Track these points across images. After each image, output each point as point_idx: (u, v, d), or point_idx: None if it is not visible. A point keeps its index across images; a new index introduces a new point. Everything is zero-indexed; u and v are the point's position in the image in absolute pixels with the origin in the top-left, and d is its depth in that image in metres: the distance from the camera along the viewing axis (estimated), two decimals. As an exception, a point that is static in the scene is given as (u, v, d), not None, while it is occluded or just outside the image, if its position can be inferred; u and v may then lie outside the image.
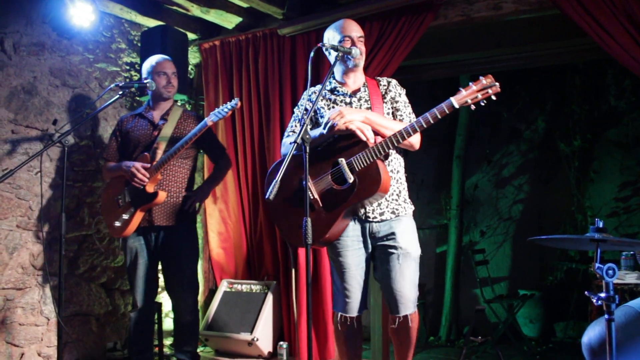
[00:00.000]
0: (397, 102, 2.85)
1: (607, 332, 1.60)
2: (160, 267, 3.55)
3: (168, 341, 4.34)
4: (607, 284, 1.61)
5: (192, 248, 3.51)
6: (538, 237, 1.79)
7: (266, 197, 2.33)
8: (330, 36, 2.86)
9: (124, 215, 3.37)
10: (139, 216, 3.34)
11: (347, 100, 2.85)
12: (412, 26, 3.63)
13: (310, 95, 2.92)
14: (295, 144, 2.40)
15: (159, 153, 3.35)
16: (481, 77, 2.47)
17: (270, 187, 2.33)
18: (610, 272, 1.60)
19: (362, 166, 2.63)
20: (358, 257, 2.80)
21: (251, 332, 3.89)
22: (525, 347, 5.34)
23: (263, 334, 3.93)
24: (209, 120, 3.24)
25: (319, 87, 2.93)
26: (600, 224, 1.65)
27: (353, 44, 2.80)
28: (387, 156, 2.68)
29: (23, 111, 3.75)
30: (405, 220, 2.81)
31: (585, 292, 1.67)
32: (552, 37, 4.13)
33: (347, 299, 2.82)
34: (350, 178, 2.65)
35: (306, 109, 2.88)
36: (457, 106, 2.51)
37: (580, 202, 6.07)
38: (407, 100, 2.89)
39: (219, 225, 4.40)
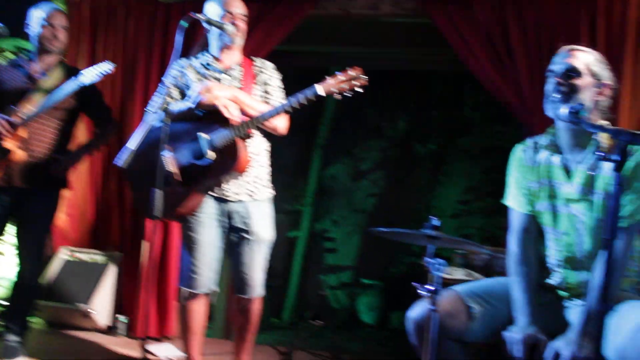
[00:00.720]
0: (268, 85, 2.85)
1: (428, 321, 1.73)
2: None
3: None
4: (434, 276, 1.73)
5: (48, 216, 3.22)
6: (378, 229, 1.89)
7: (116, 161, 2.23)
8: (212, 9, 2.80)
9: None
10: None
11: (218, 76, 2.81)
12: (291, 12, 3.65)
13: (182, 67, 2.85)
14: (156, 114, 2.32)
15: (29, 108, 3.03)
16: (348, 68, 2.53)
17: (124, 155, 2.23)
18: (438, 266, 1.72)
19: (221, 143, 2.60)
20: (212, 235, 2.79)
21: (87, 302, 3.71)
22: (363, 333, 5.61)
23: (101, 306, 3.77)
24: (80, 80, 2.98)
25: (190, 59, 2.90)
26: (435, 222, 1.77)
27: (233, 20, 2.75)
28: (248, 136, 2.68)
29: None
30: (262, 204, 2.83)
31: (412, 283, 1.78)
32: (422, 44, 4.35)
33: (195, 274, 2.79)
34: (208, 154, 2.61)
35: (174, 80, 2.80)
36: (321, 94, 2.55)
37: (429, 202, 6.48)
38: (281, 86, 2.89)
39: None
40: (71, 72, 3.22)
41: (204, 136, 2.64)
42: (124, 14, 4.06)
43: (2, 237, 3.28)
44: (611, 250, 1.42)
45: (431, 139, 6.58)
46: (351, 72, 2.54)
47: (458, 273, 3.06)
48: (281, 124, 2.78)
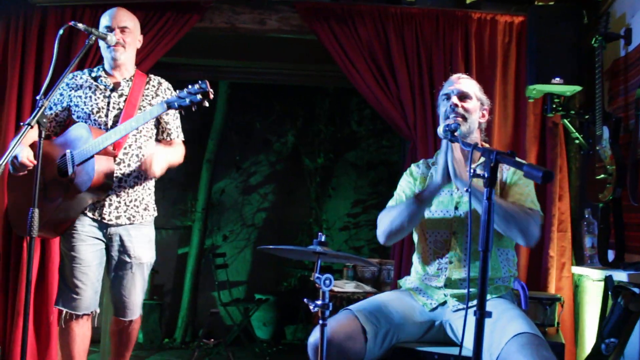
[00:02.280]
0: (165, 116, 2.80)
1: (320, 335, 1.76)
2: None
3: None
4: (323, 292, 1.76)
5: None
6: (268, 247, 1.90)
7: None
8: (102, 21, 2.75)
9: None
10: None
11: (107, 94, 2.74)
12: (176, 23, 3.58)
13: (69, 80, 2.80)
14: (29, 126, 2.20)
15: None
16: (199, 81, 2.47)
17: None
18: (327, 281, 1.75)
19: (82, 161, 2.59)
20: (93, 252, 2.71)
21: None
22: (257, 349, 5.58)
23: (-30, 337, 3.47)
24: None
25: (81, 73, 2.84)
26: (322, 238, 1.80)
27: (117, 33, 2.70)
28: (113, 155, 2.64)
29: None
30: (142, 227, 2.79)
31: (304, 299, 1.80)
32: (308, 60, 4.44)
33: (77, 295, 2.68)
34: (70, 171, 2.60)
35: (60, 93, 2.80)
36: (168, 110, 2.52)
37: (318, 215, 6.59)
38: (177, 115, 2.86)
39: None
40: None
41: (69, 152, 2.63)
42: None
43: None
44: (486, 263, 1.50)
45: (320, 153, 6.72)
46: (196, 87, 2.49)
47: (348, 285, 3.13)
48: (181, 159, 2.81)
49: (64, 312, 2.70)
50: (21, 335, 2.30)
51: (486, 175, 1.55)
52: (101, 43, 2.73)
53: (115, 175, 2.67)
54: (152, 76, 2.88)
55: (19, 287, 3.50)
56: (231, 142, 6.53)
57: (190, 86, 2.45)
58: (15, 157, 2.55)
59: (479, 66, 3.54)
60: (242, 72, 4.79)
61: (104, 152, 2.58)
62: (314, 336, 2.00)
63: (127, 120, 2.61)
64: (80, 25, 2.54)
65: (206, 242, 6.38)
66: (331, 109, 6.74)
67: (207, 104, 2.45)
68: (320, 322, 1.75)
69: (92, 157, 2.57)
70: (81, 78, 2.80)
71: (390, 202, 2.39)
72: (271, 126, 6.68)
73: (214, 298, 6.10)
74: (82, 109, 2.73)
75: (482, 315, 1.49)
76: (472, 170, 1.59)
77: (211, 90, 2.42)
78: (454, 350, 1.99)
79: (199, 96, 2.41)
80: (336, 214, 6.62)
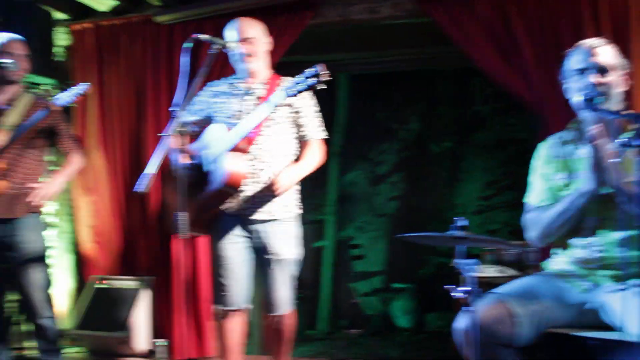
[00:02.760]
0: (297, 108, 2.84)
1: (468, 321, 1.70)
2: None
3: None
4: (467, 278, 1.70)
5: (37, 241, 3.19)
6: (405, 235, 1.87)
7: (136, 189, 2.25)
8: (228, 35, 2.86)
9: None
10: None
11: (243, 98, 2.85)
12: (291, 23, 3.66)
13: (208, 88, 2.99)
14: (168, 136, 2.35)
15: (1, 139, 3.05)
16: (315, 65, 2.45)
17: (142, 180, 2.25)
18: (469, 267, 1.70)
19: (215, 159, 2.72)
20: (238, 250, 2.82)
21: (125, 330, 3.73)
22: (400, 338, 5.56)
23: (138, 332, 3.78)
24: (53, 103, 2.98)
25: (218, 82, 3.01)
26: (462, 222, 1.74)
27: (245, 44, 2.81)
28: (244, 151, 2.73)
29: None
30: (283, 223, 2.83)
31: (444, 286, 1.75)
32: (425, 43, 4.34)
33: (225, 292, 2.82)
34: (205, 170, 2.77)
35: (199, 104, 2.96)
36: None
37: (450, 200, 6.43)
38: (311, 104, 2.88)
39: (90, 219, 4.17)
40: (38, 98, 3.23)
41: (207, 152, 2.79)
42: (128, 40, 4.09)
43: None
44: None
45: (445, 136, 6.55)
46: (314, 69, 2.47)
47: (490, 270, 3.02)
48: (318, 163, 2.86)
49: (217, 308, 2.86)
50: (181, 330, 2.46)
51: (637, 143, 1.41)
52: (231, 54, 2.83)
53: (249, 171, 2.75)
54: (288, 78, 2.92)
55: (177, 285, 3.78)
56: (356, 134, 6.55)
57: (306, 71, 2.47)
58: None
59: (612, 27, 3.25)
60: (360, 63, 4.79)
61: (235, 149, 2.67)
62: (461, 322, 1.95)
63: (249, 114, 2.68)
64: (203, 37, 2.67)
65: (341, 234, 6.46)
66: (452, 91, 6.54)
67: (324, 85, 2.43)
68: (468, 309, 1.69)
69: (223, 154, 2.67)
70: (219, 86, 2.96)
71: (531, 199, 2.20)
72: (393, 114, 6.61)
73: (353, 289, 6.17)
74: (221, 114, 2.87)
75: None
76: (625, 140, 1.46)
77: (327, 72, 2.38)
78: (610, 335, 1.85)
79: (313, 79, 2.39)
80: (468, 197, 6.41)
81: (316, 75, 2.40)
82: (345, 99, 6.32)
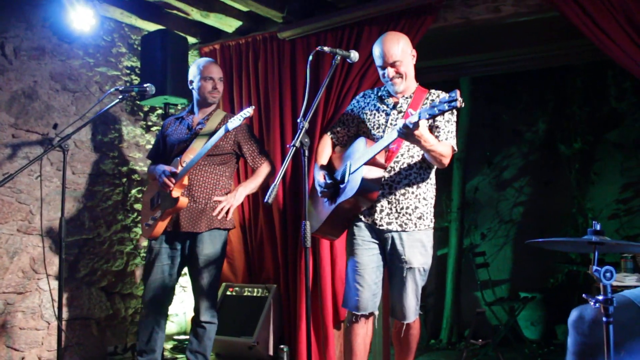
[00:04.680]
0: (437, 119, 2.82)
1: (605, 334, 1.60)
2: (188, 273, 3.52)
3: (169, 345, 4.33)
4: (604, 286, 1.61)
5: (215, 255, 3.38)
6: (537, 240, 1.79)
7: (265, 200, 2.35)
8: (374, 56, 2.91)
9: (152, 217, 3.36)
10: (164, 220, 3.31)
11: (388, 111, 2.92)
12: (411, 29, 3.62)
13: (360, 97, 3.08)
14: (294, 147, 2.43)
15: (190, 157, 3.28)
16: (451, 92, 2.39)
17: (269, 191, 2.34)
18: (608, 274, 1.60)
19: (355, 169, 2.78)
20: (369, 256, 2.89)
21: (252, 336, 3.89)
22: (527, 350, 5.33)
23: (264, 338, 3.92)
24: (229, 125, 3.15)
25: (370, 92, 3.08)
26: (598, 227, 1.65)
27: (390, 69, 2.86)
28: (382, 166, 2.79)
29: (23, 115, 3.76)
30: (415, 234, 2.85)
31: (583, 295, 1.66)
32: (552, 39, 4.13)
33: (356, 296, 2.88)
34: (346, 179, 2.83)
35: (351, 111, 3.08)
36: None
37: (581, 204, 6.07)
38: (449, 119, 2.86)
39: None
40: (227, 116, 3.45)
41: (348, 162, 2.84)
42: (253, 57, 4.28)
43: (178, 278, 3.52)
44: None
45: (576, 137, 6.19)
46: (449, 96, 2.42)
47: (629, 279, 2.81)
48: (444, 155, 2.74)
49: (347, 312, 2.94)
50: (305, 337, 2.52)
51: None
52: (379, 71, 2.90)
53: (385, 182, 2.82)
54: (432, 91, 2.94)
55: (298, 292, 3.87)
56: (480, 138, 6.38)
57: (444, 95, 2.47)
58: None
59: None
60: (482, 64, 4.65)
61: (373, 162, 2.74)
62: (574, 314, 1.90)
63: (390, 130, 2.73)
64: (326, 49, 2.73)
65: (464, 241, 6.32)
66: (584, 88, 6.16)
67: (457, 109, 2.42)
68: (605, 319, 1.60)
69: (361, 166, 2.74)
70: (369, 97, 3.04)
71: None
72: (520, 116, 6.36)
73: (477, 298, 6.00)
74: (366, 125, 2.96)
75: None
76: None
77: (460, 99, 2.34)
78: None
79: (450, 104, 2.34)
80: (603, 201, 6.01)
81: (454, 100, 2.38)
82: (468, 103, 6.17)
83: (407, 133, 2.50)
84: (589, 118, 6.15)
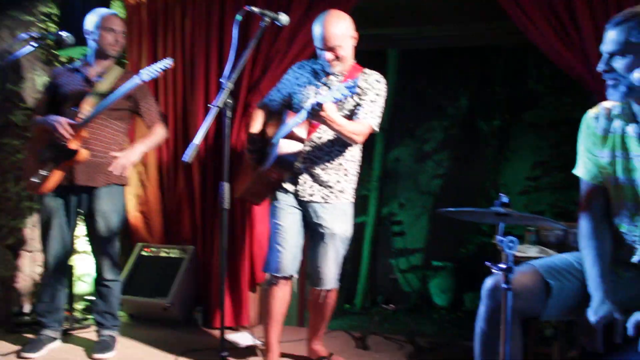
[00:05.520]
0: (361, 96, 2.85)
1: (503, 300, 1.69)
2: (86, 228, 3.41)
3: (80, 305, 4.22)
4: (506, 255, 1.69)
5: (115, 211, 3.34)
6: (447, 209, 1.86)
7: (183, 159, 2.31)
8: (314, 36, 2.87)
9: (42, 171, 3.18)
10: (58, 174, 3.17)
11: (319, 86, 2.93)
12: (341, -1, 3.61)
13: (296, 68, 3.08)
14: (217, 108, 2.39)
15: (88, 110, 3.16)
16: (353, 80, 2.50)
17: (188, 150, 2.30)
18: (511, 244, 1.68)
19: (275, 142, 2.88)
20: (292, 220, 2.95)
21: (167, 297, 3.85)
22: (436, 316, 5.57)
23: (179, 300, 3.90)
24: (140, 78, 3.07)
25: (306, 63, 3.06)
26: (505, 199, 1.73)
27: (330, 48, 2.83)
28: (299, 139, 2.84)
29: None
30: (336, 205, 2.93)
31: (486, 263, 1.75)
32: (479, 19, 4.24)
33: (278, 259, 2.92)
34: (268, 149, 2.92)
35: (283, 83, 3.10)
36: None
37: (495, 180, 6.33)
38: (374, 100, 2.88)
39: (136, 187, 4.28)
40: (127, 73, 3.35)
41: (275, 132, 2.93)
42: (181, 14, 4.14)
43: (79, 235, 3.43)
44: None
45: (495, 115, 6.42)
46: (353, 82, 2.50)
47: (531, 250, 2.98)
48: (355, 133, 2.78)
49: (267, 275, 2.97)
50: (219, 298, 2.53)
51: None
52: (317, 50, 2.87)
53: (308, 156, 2.88)
54: (366, 70, 2.94)
55: (215, 254, 3.86)
56: (404, 110, 6.48)
57: (349, 80, 2.52)
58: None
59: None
60: (411, 38, 4.71)
61: (291, 135, 2.79)
62: (489, 282, 1.97)
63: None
64: (255, 9, 2.67)
65: (383, 210, 6.46)
66: (506, 69, 6.38)
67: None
68: (504, 286, 1.69)
69: (280, 138, 2.80)
70: (303, 68, 3.03)
71: (580, 172, 2.09)
72: (443, 91, 6.51)
73: (392, 265, 6.18)
74: (297, 97, 2.97)
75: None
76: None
77: (360, 86, 2.73)
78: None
79: (348, 91, 2.47)
80: (515, 177, 6.30)
81: (352, 87, 2.46)
82: (394, 75, 6.25)
83: (314, 114, 2.57)
84: (508, 97, 6.38)
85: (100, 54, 3.33)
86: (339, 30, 2.81)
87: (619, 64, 1.83)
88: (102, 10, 3.36)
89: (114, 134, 3.32)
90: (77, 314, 4.05)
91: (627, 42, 1.81)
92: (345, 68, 2.91)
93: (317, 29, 2.85)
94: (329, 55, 2.83)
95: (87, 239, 3.41)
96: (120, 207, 3.39)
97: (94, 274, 3.47)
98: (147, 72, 3.06)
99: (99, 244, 3.32)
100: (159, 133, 3.43)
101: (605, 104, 2.04)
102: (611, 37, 1.86)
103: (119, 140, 3.36)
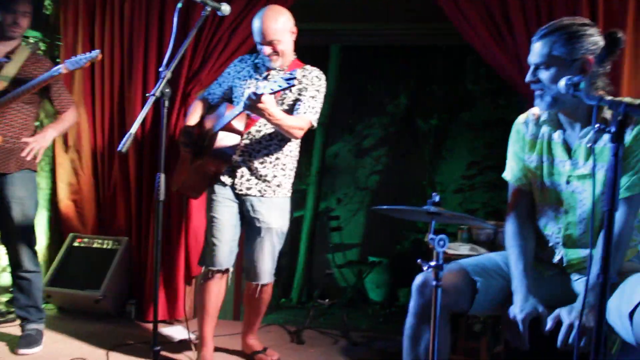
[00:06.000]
0: (301, 93, 2.85)
1: (434, 296, 1.74)
2: None
3: (4, 298, 4.05)
4: (437, 253, 1.74)
5: (29, 197, 3.19)
6: (381, 207, 1.89)
7: (118, 149, 2.24)
8: (253, 30, 2.85)
9: None
10: None
11: (259, 81, 2.89)
12: (284, -10, 3.60)
13: (237, 62, 3.05)
14: (154, 97, 2.33)
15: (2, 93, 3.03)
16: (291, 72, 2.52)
17: (124, 140, 2.24)
18: (441, 242, 1.72)
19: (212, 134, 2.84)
20: (229, 213, 2.92)
21: (99, 289, 3.74)
22: (371, 311, 5.66)
23: (112, 292, 3.80)
24: (64, 67, 2.95)
25: (248, 57, 3.04)
26: (437, 198, 1.77)
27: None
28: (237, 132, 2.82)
29: None
30: (272, 199, 2.92)
31: (417, 260, 1.79)
32: (420, 19, 4.31)
33: (214, 252, 2.91)
34: (204, 142, 2.86)
35: (226, 75, 3.06)
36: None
37: (432, 177, 6.49)
38: (314, 95, 2.87)
39: (69, 175, 4.14)
40: (35, 55, 3.20)
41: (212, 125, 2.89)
42: (120, -2, 4.01)
43: None
44: (611, 222, 1.41)
45: (433, 114, 6.57)
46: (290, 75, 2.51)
47: (463, 248, 3.07)
48: (294, 128, 2.78)
49: (203, 268, 2.95)
50: (153, 291, 2.48)
51: (612, 130, 1.43)
52: (257, 44, 2.85)
53: (245, 149, 2.86)
54: (307, 67, 2.93)
55: (150, 246, 3.78)
56: (344, 106, 6.54)
57: (287, 73, 2.51)
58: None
59: (607, 12, 3.25)
60: (353, 34, 4.74)
61: (229, 127, 2.76)
62: (419, 278, 2.02)
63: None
64: (201, -3, 2.61)
65: (320, 205, 6.51)
66: (445, 69, 6.54)
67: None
68: (435, 282, 1.73)
69: (217, 130, 2.77)
70: (245, 62, 3.02)
71: (508, 176, 2.18)
72: (383, 88, 6.60)
73: (328, 260, 6.24)
74: (237, 90, 2.95)
75: (605, 279, 1.41)
76: (599, 127, 1.47)
77: (298, 78, 2.68)
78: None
79: (285, 82, 2.45)
80: (451, 176, 6.48)
81: (291, 79, 2.44)
82: (336, 70, 6.30)
83: (251, 105, 2.55)
84: (446, 97, 6.55)
85: (2, 35, 3.15)
86: (277, 24, 2.81)
87: (544, 75, 1.91)
88: None
89: (24, 118, 3.15)
90: (1, 307, 3.89)
91: (551, 55, 1.88)
92: (285, 63, 2.91)
93: (256, 23, 2.84)
94: (267, 50, 2.82)
95: (1, 228, 3.23)
96: (34, 194, 3.23)
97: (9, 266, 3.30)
98: (72, 62, 2.94)
99: (16, 233, 3.15)
100: (70, 117, 3.27)
101: (534, 110, 2.13)
102: (536, 50, 1.93)
103: (30, 125, 3.21)
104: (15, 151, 3.09)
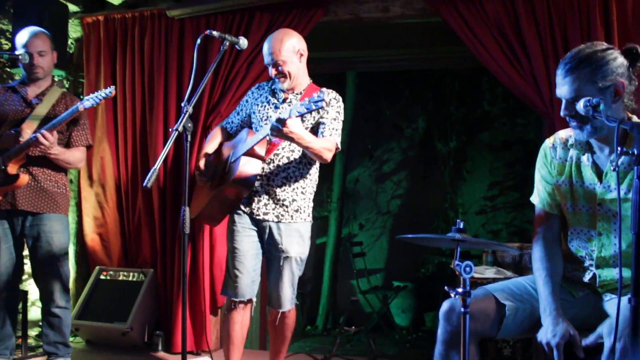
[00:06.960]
0: (322, 117, 2.84)
1: (462, 323, 1.73)
2: (27, 253, 3.31)
3: (34, 332, 4.10)
4: (464, 280, 1.73)
5: (62, 232, 3.24)
6: (406, 235, 1.89)
7: (143, 184, 2.28)
8: (264, 53, 2.87)
9: None
10: None
11: (278, 105, 2.91)
12: (302, 20, 3.67)
13: (255, 89, 3.05)
14: (176, 131, 2.37)
15: (28, 133, 3.08)
16: (319, 92, 2.48)
17: (148, 175, 2.28)
18: (468, 269, 1.72)
19: (234, 159, 2.82)
20: (250, 243, 2.90)
21: (126, 321, 3.77)
22: (397, 336, 5.60)
23: (138, 324, 3.82)
24: (82, 105, 3.02)
25: (265, 84, 3.03)
26: (461, 225, 1.76)
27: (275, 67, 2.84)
28: (260, 158, 2.80)
29: None
30: (291, 225, 2.89)
31: (445, 287, 1.78)
32: (434, 43, 4.35)
33: (235, 283, 2.88)
34: (226, 168, 2.83)
35: (244, 103, 3.05)
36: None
37: (453, 200, 6.46)
38: (334, 117, 2.87)
39: (94, 209, 4.21)
40: (65, 95, 3.27)
41: (232, 152, 2.89)
42: (139, 33, 4.12)
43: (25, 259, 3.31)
44: (639, 245, 1.40)
45: (452, 136, 6.57)
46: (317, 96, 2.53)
47: (488, 272, 3.05)
48: (324, 151, 2.76)
49: (226, 299, 2.94)
50: (181, 323, 2.50)
51: (636, 152, 1.43)
52: (271, 70, 2.86)
53: (264, 174, 2.84)
54: (324, 89, 2.86)
55: (175, 277, 3.81)
56: (362, 131, 6.57)
57: (314, 95, 2.49)
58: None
59: (622, 29, 3.24)
60: (369, 61, 4.80)
61: (251, 153, 2.76)
62: (446, 305, 2.00)
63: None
64: (215, 33, 2.67)
65: (343, 231, 6.50)
66: (461, 91, 6.55)
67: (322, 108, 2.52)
68: (462, 310, 1.73)
69: (240, 156, 2.76)
70: (262, 89, 3.01)
71: (535, 200, 2.18)
72: (401, 112, 6.63)
73: (352, 286, 6.21)
74: (256, 116, 2.94)
75: (638, 302, 1.39)
76: (619, 149, 1.47)
77: (326, 100, 2.60)
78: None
79: (313, 105, 2.44)
80: (472, 197, 6.45)
81: (320, 101, 2.45)
82: (353, 97, 6.35)
83: (277, 131, 2.54)
84: (463, 119, 6.55)
85: (27, 76, 3.24)
86: (282, 45, 2.83)
87: (580, 107, 1.85)
88: (25, 31, 3.23)
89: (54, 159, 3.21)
90: (31, 341, 3.93)
91: (583, 88, 1.87)
92: (296, 85, 2.93)
93: (265, 46, 2.88)
94: (272, 71, 2.84)
95: (33, 265, 3.28)
96: (66, 229, 3.29)
97: (40, 303, 3.34)
98: (89, 99, 3.01)
99: (48, 269, 3.21)
100: (76, 154, 3.28)
101: (561, 134, 2.13)
102: (566, 86, 1.91)
103: (60, 167, 3.26)
104: (46, 190, 3.14)
